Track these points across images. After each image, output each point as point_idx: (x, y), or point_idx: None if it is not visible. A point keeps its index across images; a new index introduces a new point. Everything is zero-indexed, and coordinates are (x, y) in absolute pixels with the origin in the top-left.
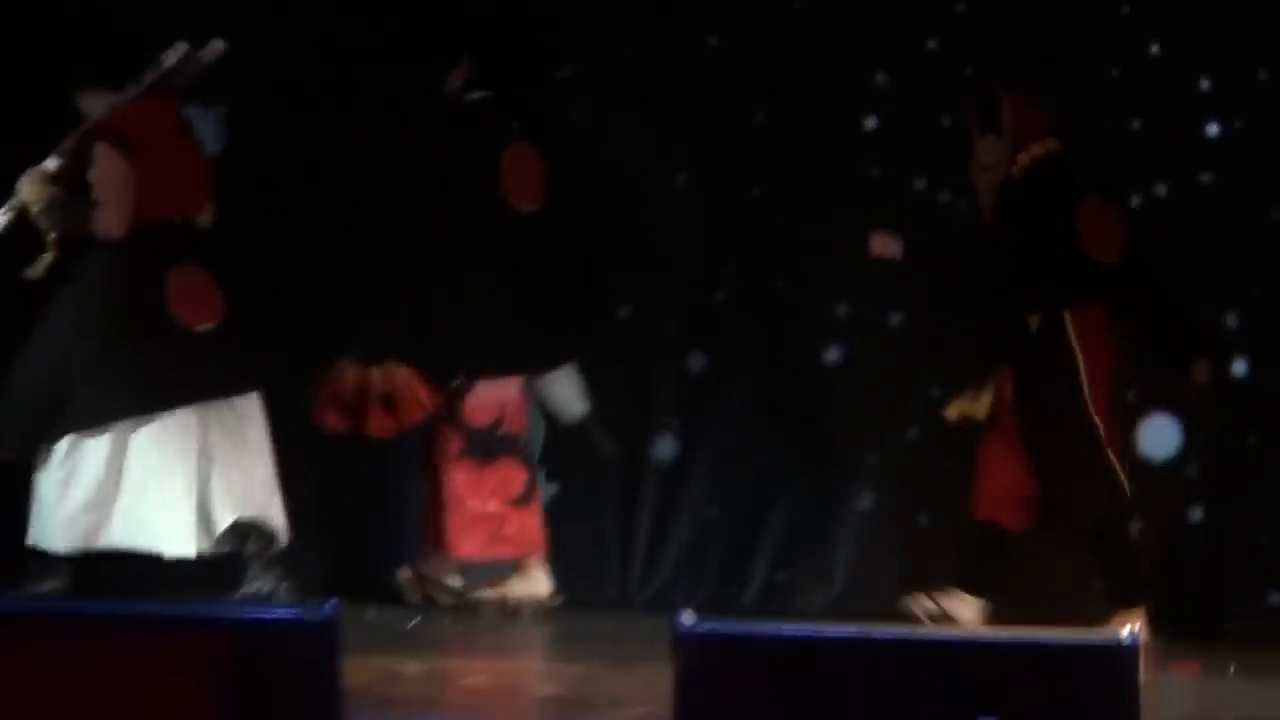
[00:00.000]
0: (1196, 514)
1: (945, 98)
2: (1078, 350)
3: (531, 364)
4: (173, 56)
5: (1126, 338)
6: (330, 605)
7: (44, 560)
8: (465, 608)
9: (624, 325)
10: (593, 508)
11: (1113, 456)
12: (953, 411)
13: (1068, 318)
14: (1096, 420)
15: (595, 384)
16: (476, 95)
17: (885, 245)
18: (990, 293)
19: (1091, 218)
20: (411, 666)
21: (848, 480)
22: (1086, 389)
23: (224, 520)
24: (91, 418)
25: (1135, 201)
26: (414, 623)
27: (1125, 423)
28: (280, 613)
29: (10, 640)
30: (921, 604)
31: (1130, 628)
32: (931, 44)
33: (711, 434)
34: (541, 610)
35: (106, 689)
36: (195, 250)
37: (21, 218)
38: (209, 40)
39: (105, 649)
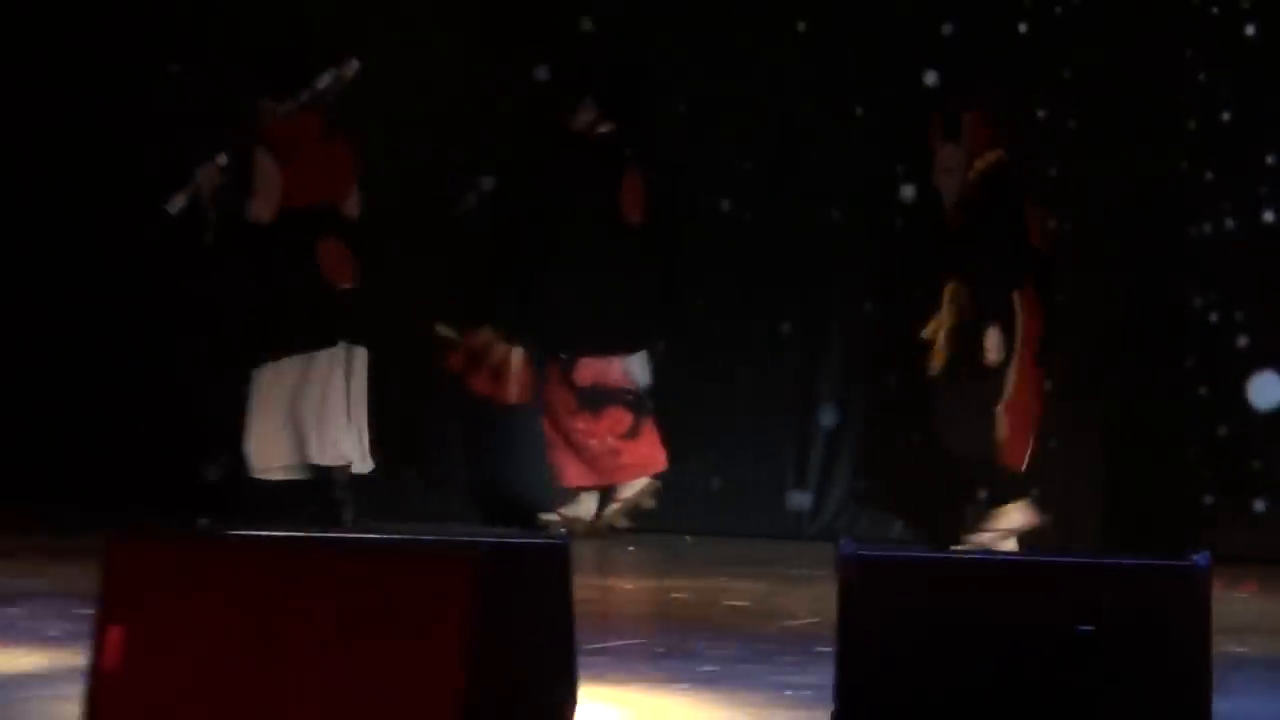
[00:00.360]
0: (1259, 505)
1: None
2: (1019, 318)
3: (614, 349)
4: (324, 80)
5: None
6: (564, 535)
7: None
8: (598, 533)
9: (787, 336)
10: (774, 467)
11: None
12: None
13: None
14: (1012, 377)
15: (767, 379)
16: (601, 129)
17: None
18: (950, 270)
19: (1030, 214)
20: (627, 584)
21: (957, 471)
22: (1018, 350)
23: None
24: (272, 352)
25: (1205, 230)
26: (630, 549)
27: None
28: (522, 540)
29: (281, 566)
30: (983, 537)
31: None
32: (1072, 124)
33: (856, 431)
34: (651, 494)
35: (369, 609)
36: (338, 231)
37: (195, 199)
38: (349, 59)
39: (367, 573)
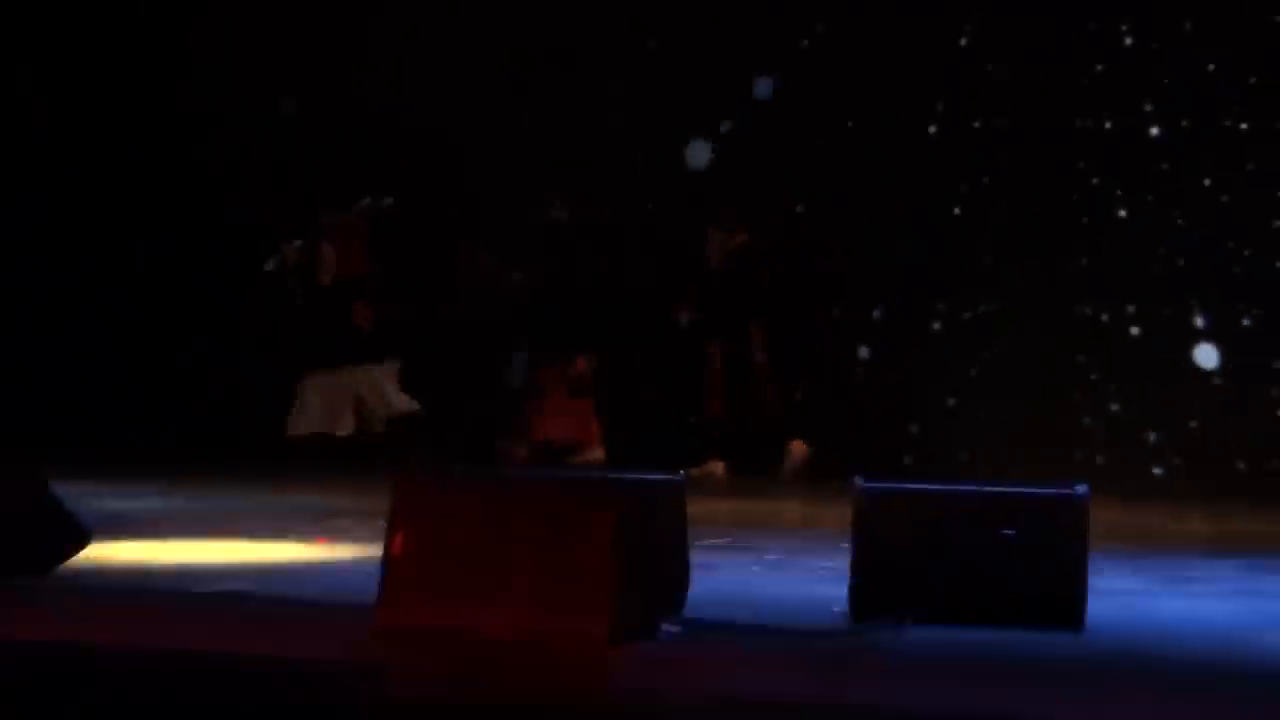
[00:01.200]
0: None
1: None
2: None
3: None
4: (364, 202)
5: None
6: (680, 474)
7: None
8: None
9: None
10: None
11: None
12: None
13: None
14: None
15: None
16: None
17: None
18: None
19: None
20: (721, 505)
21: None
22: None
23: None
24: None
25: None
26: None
27: None
28: (653, 477)
29: (497, 491)
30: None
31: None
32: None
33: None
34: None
35: (554, 521)
36: (360, 293)
37: (281, 263)
38: (384, 195)
39: (552, 497)
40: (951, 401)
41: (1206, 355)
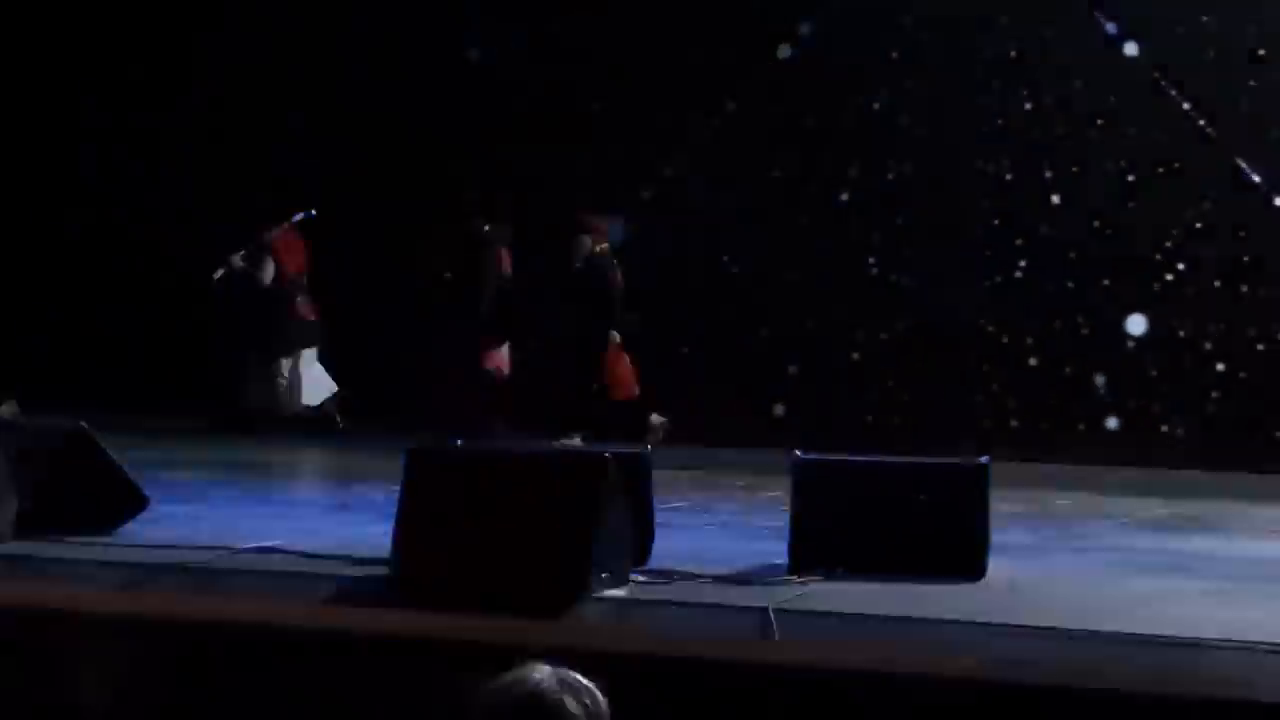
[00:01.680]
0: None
1: None
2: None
3: None
4: (297, 217)
5: None
6: (646, 448)
7: None
8: None
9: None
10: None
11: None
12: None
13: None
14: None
15: None
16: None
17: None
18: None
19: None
20: (683, 475)
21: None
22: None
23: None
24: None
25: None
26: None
27: None
28: (624, 449)
29: (494, 461)
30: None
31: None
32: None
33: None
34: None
35: (547, 484)
36: (303, 290)
37: (229, 270)
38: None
39: (547, 464)
40: (870, 419)
41: (1135, 324)
